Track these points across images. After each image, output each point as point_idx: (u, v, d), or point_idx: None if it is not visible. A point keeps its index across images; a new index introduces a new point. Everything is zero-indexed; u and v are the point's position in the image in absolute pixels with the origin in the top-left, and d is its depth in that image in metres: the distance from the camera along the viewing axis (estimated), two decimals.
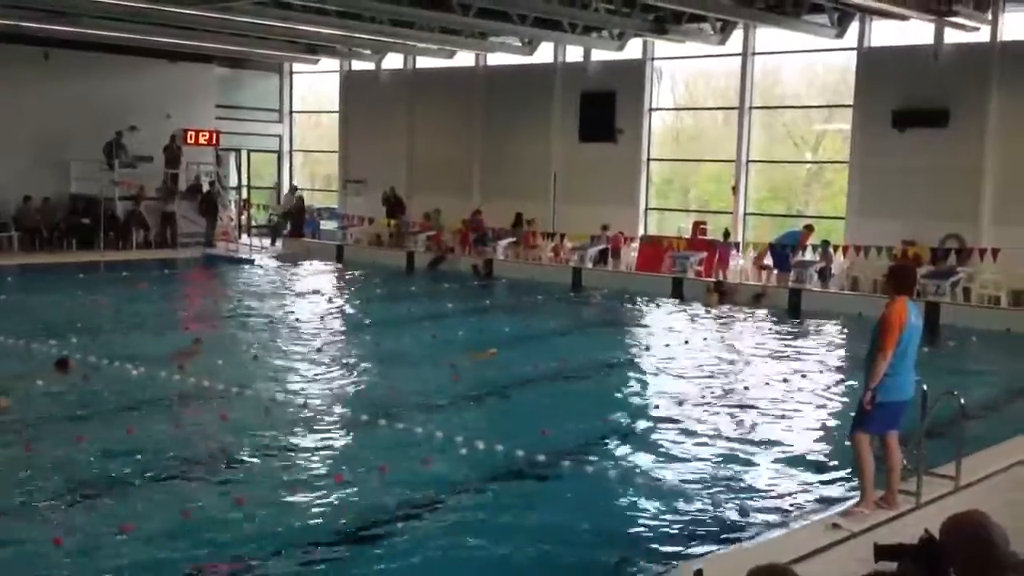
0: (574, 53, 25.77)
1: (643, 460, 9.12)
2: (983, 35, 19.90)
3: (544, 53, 25.97)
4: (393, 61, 29.49)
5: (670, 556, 6.92)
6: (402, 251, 25.71)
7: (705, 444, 9.68)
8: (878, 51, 21.41)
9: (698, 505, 7.92)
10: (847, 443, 7.73)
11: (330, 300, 20.01)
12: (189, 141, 27.97)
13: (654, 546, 7.16)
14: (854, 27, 21.37)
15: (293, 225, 28.65)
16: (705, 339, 16.05)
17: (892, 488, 7.44)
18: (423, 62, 28.69)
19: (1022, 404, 12.43)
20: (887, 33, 21.30)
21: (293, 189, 30.53)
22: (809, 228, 21.23)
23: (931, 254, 19.56)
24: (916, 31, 20.52)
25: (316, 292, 20.85)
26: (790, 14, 20.66)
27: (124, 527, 7.02)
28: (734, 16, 21.04)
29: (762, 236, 22.63)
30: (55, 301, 17.45)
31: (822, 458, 9.41)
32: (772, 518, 7.69)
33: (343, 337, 15.68)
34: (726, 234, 22.49)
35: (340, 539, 7.06)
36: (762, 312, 18.87)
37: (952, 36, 20.15)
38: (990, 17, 19.59)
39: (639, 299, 20.14)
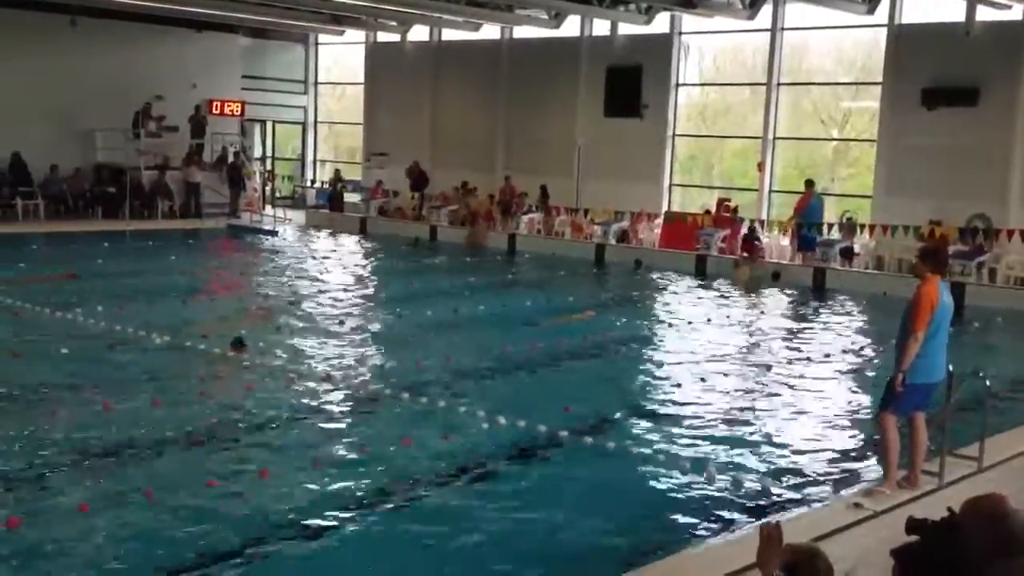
0: (601, 27, 25.60)
1: (664, 438, 9.07)
2: (1015, 13, 19.63)
3: (571, 26, 25.83)
4: (419, 33, 29.40)
5: (686, 536, 6.93)
6: (425, 224, 25.73)
7: (727, 422, 9.64)
8: (909, 28, 21.15)
9: (718, 485, 7.88)
10: (874, 420, 7.70)
11: (353, 272, 20.05)
12: (215, 111, 28.09)
13: (669, 525, 7.15)
14: (885, 3, 21.12)
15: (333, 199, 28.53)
16: (728, 317, 16.00)
17: (915, 468, 7.42)
18: (448, 34, 28.60)
19: None
20: (918, 9, 21.05)
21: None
22: (809, 183, 20.61)
23: (958, 234, 19.39)
24: (948, 8, 20.28)
25: (339, 264, 20.91)
26: None
27: (147, 493, 7.09)
28: None
29: (787, 214, 22.37)
30: (82, 268, 17.56)
31: (845, 437, 9.38)
32: (794, 496, 7.68)
33: (366, 309, 15.71)
34: (735, 210, 22.33)
35: (362, 512, 7.07)
36: (786, 290, 18.78)
37: (984, 13, 19.89)
38: None
39: (663, 275, 20.09)
